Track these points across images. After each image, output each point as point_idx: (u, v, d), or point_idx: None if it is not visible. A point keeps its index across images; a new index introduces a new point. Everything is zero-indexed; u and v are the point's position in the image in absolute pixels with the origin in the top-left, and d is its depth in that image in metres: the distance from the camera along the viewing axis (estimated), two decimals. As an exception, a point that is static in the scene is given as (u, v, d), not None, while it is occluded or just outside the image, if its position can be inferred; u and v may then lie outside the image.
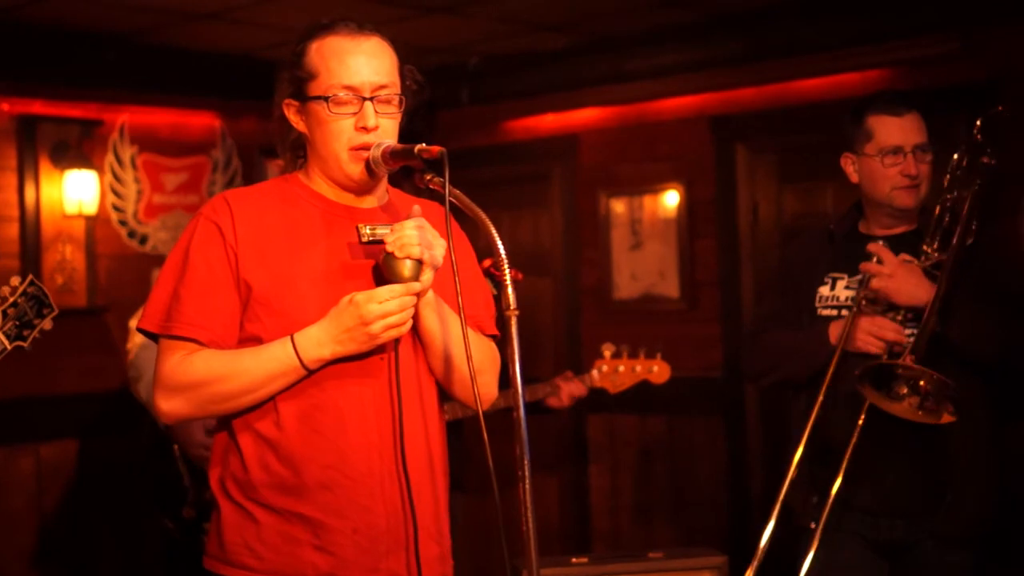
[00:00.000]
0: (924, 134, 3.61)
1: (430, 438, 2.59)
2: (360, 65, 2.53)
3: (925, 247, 3.56)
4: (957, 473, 3.54)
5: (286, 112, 2.61)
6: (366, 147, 2.52)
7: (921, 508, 3.54)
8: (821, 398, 3.54)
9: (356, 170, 2.53)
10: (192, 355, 2.49)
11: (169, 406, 2.53)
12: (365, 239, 2.46)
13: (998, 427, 3.64)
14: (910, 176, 3.57)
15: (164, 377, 2.52)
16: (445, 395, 2.67)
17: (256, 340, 2.49)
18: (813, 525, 3.61)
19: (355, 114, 2.52)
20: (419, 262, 2.42)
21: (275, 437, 2.49)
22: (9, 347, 2.88)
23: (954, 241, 3.48)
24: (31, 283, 2.96)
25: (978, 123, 3.58)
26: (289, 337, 2.46)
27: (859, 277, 3.60)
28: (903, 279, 3.51)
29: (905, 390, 3.44)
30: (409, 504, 2.50)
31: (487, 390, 2.63)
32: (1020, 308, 3.53)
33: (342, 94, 2.51)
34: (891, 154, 3.60)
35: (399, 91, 2.58)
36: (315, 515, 2.47)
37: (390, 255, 2.42)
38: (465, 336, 2.38)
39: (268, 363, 2.45)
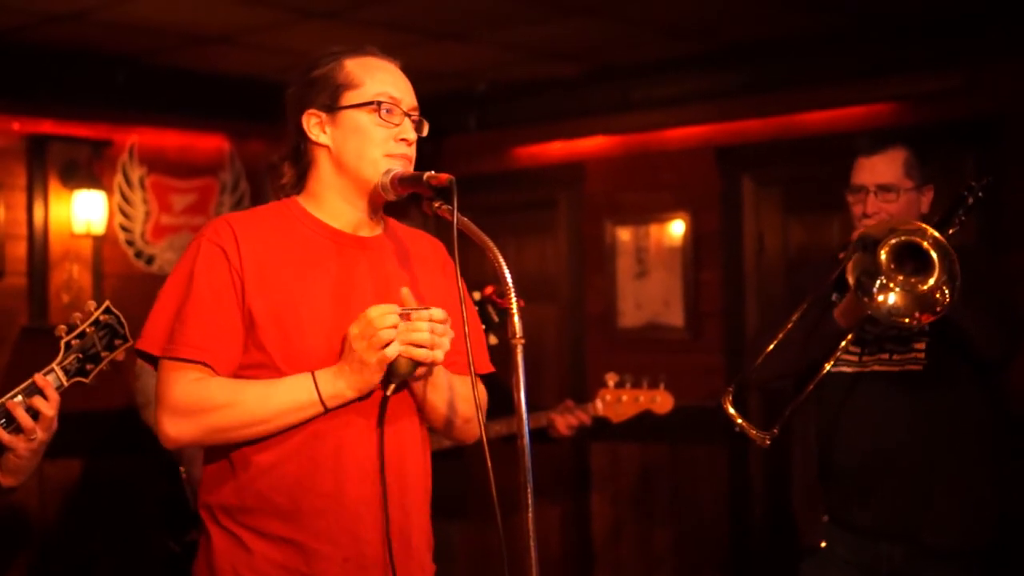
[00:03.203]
0: (895, 174, 3.63)
1: (422, 467, 2.62)
2: (401, 84, 2.61)
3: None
4: (950, 486, 3.57)
5: (305, 124, 2.58)
6: (404, 158, 2.55)
7: (918, 528, 3.56)
8: (808, 385, 3.55)
9: (380, 176, 2.54)
10: (206, 380, 2.45)
11: (176, 431, 2.46)
12: (405, 308, 2.43)
13: (996, 443, 3.66)
14: (865, 215, 3.61)
15: (173, 401, 2.45)
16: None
17: (259, 367, 2.47)
18: (824, 544, 3.66)
19: (397, 126, 2.56)
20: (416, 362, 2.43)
21: (271, 463, 2.47)
22: (66, 384, 2.59)
23: (934, 220, 3.53)
24: (106, 310, 2.67)
25: (971, 184, 3.60)
26: (310, 373, 2.44)
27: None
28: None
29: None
30: (387, 533, 2.49)
31: (475, 432, 2.65)
32: (1006, 304, 3.58)
33: (391, 105, 2.56)
34: (854, 192, 3.68)
35: (420, 118, 2.64)
36: (308, 542, 2.45)
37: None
38: (474, 384, 2.44)
39: (285, 395, 2.43)
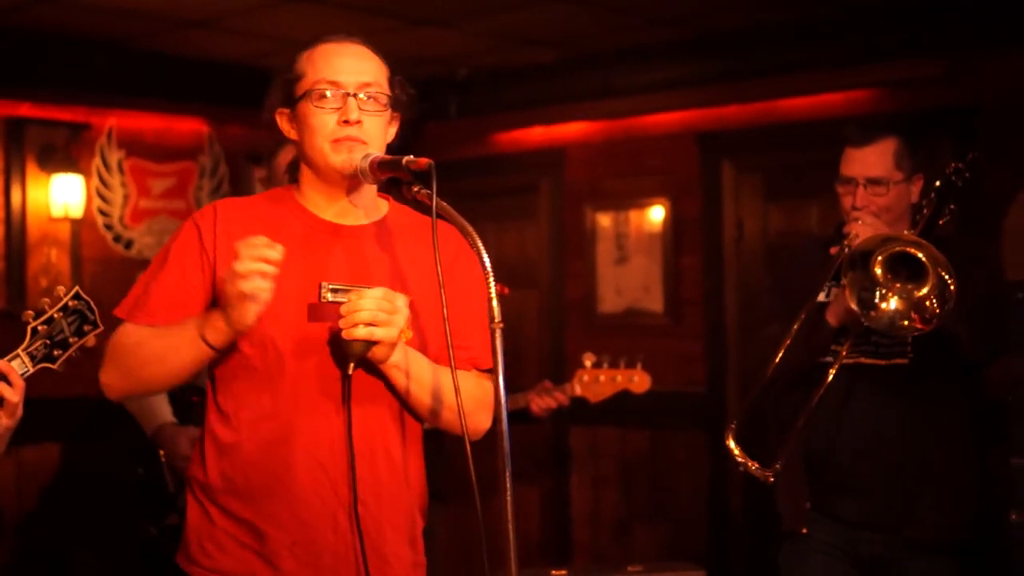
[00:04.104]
0: (885, 167, 3.60)
1: (391, 463, 2.58)
2: (344, 64, 2.57)
3: (904, 231, 3.58)
4: (934, 480, 3.58)
5: (279, 123, 2.63)
6: (349, 140, 2.52)
7: (900, 521, 3.57)
8: (816, 399, 3.56)
9: (339, 160, 2.53)
10: (125, 328, 2.57)
11: (105, 377, 2.58)
12: (323, 300, 2.45)
13: (979, 436, 3.67)
14: (855, 208, 3.60)
15: (108, 352, 2.58)
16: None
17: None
18: (805, 531, 3.67)
19: (338, 109, 2.54)
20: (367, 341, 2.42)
21: (231, 442, 2.53)
22: (32, 369, 2.56)
23: (925, 212, 3.53)
24: (75, 295, 2.63)
25: (956, 166, 3.59)
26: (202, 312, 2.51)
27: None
28: (879, 227, 3.54)
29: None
30: (358, 528, 2.49)
31: (478, 427, 2.59)
32: (992, 306, 3.58)
33: (326, 89, 2.54)
34: (844, 183, 3.66)
35: (386, 92, 2.59)
36: (257, 522, 2.51)
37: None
38: (455, 375, 2.37)
39: (178, 332, 2.49)
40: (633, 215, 6.66)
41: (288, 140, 2.65)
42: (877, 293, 3.39)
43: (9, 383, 2.52)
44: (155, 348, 2.51)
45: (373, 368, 2.51)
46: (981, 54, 5.50)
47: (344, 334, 2.41)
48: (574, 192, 6.87)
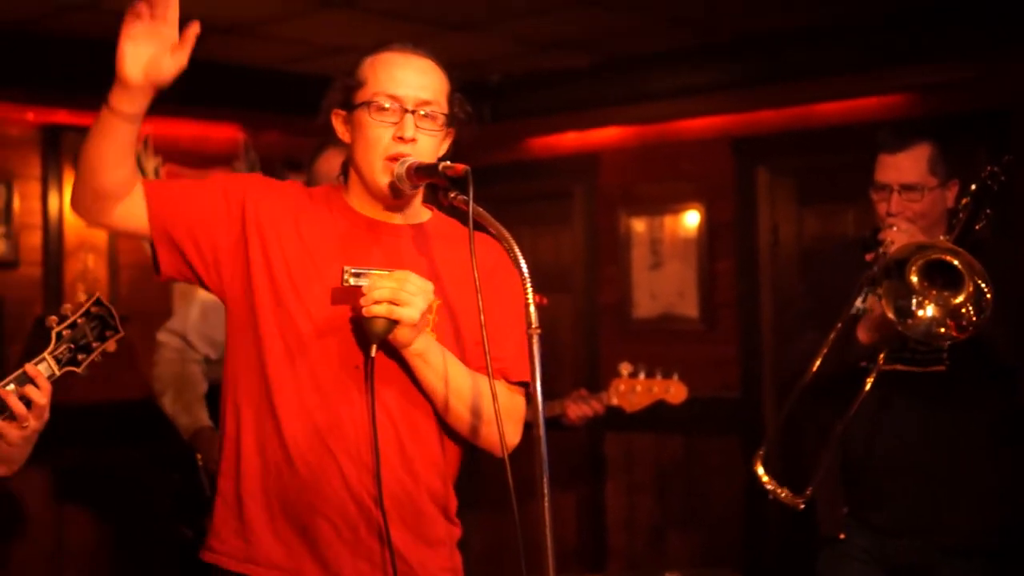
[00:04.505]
0: (919, 173, 3.57)
1: (429, 435, 2.58)
2: (407, 77, 2.56)
3: (940, 236, 3.56)
4: (967, 486, 3.56)
5: (334, 122, 2.64)
6: (400, 157, 2.52)
7: (934, 528, 3.55)
8: (855, 408, 3.54)
9: (385, 181, 2.54)
10: None
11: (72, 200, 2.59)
12: (345, 284, 2.44)
13: (1013, 444, 3.64)
14: (890, 215, 3.57)
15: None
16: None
17: (251, 328, 2.54)
18: (843, 536, 3.66)
19: (395, 124, 2.53)
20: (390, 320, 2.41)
21: (255, 432, 2.56)
22: (58, 373, 2.61)
23: (961, 216, 3.50)
24: (96, 302, 2.71)
25: (991, 169, 3.55)
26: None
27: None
28: (914, 234, 3.51)
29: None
30: (386, 529, 2.49)
31: (507, 441, 2.52)
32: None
33: (385, 102, 2.54)
34: (878, 190, 3.63)
35: (444, 111, 2.59)
36: (285, 507, 2.52)
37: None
38: (493, 388, 2.34)
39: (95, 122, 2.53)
40: (667, 220, 6.65)
41: (338, 142, 2.66)
42: (913, 301, 3.37)
43: (37, 386, 2.55)
44: (86, 145, 2.53)
45: (396, 355, 2.50)
46: (1014, 57, 5.46)
47: (364, 311, 2.41)
48: (608, 197, 6.86)
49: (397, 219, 2.64)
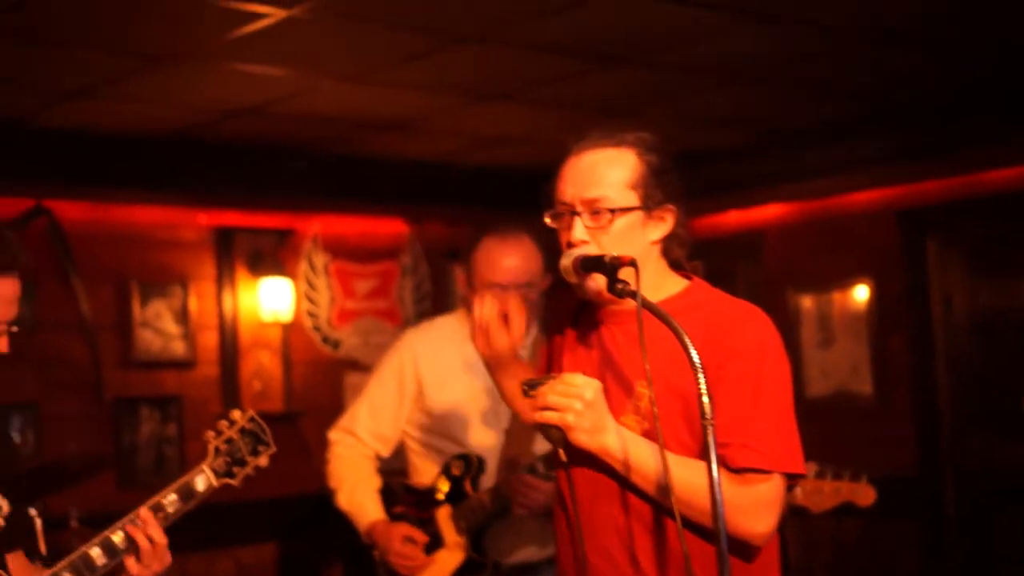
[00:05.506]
0: None
1: (642, 554, 2.47)
2: (574, 176, 2.55)
3: None
4: None
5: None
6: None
7: None
8: None
9: (572, 282, 2.52)
10: None
11: None
12: (526, 396, 2.46)
13: None
14: None
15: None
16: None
17: None
18: None
19: (567, 229, 2.52)
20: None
21: None
22: (216, 484, 2.76)
23: None
24: (251, 419, 2.84)
25: None
26: None
27: None
28: None
29: None
30: None
31: (744, 530, 2.41)
32: None
33: (558, 210, 2.55)
34: None
35: (613, 206, 2.51)
36: None
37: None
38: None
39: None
40: (836, 296, 6.54)
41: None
42: None
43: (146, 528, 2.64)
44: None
45: (594, 460, 2.46)
46: None
47: (536, 416, 2.42)
48: (773, 275, 6.78)
49: (620, 307, 2.54)
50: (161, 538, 2.64)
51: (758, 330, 2.43)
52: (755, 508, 2.43)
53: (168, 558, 2.67)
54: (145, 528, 2.62)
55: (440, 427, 3.93)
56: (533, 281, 3.76)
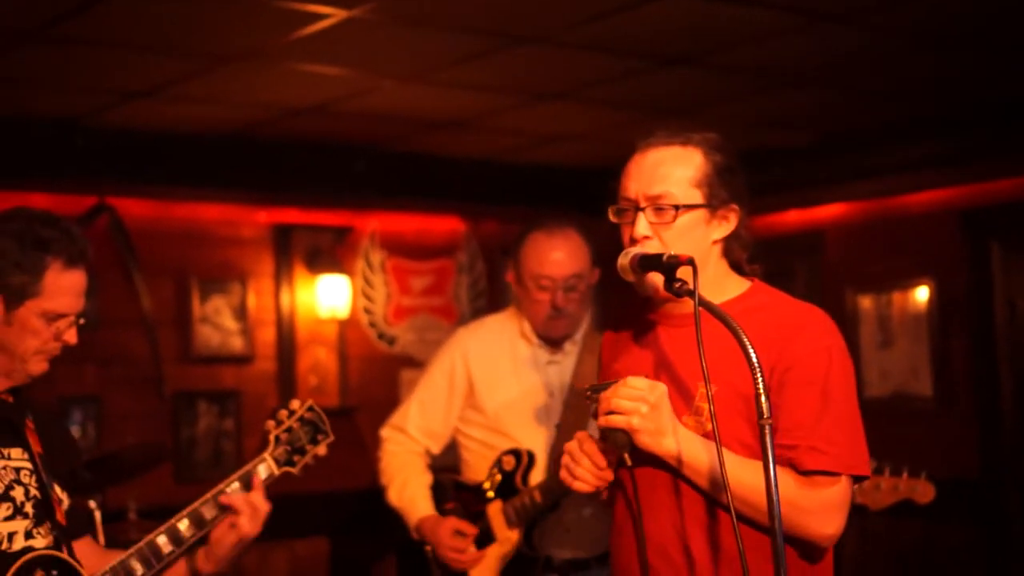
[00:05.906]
0: None
1: (699, 556, 2.45)
2: (636, 172, 2.54)
3: None
4: None
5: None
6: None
7: None
8: None
9: (632, 280, 2.51)
10: None
11: None
12: (588, 398, 2.45)
13: None
14: None
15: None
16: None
17: None
18: None
19: (631, 224, 2.51)
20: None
21: None
22: (277, 473, 2.80)
23: None
24: (309, 408, 2.87)
25: None
26: None
27: None
28: None
29: None
30: None
31: (813, 531, 2.41)
32: None
33: (621, 205, 2.53)
34: None
35: (676, 202, 2.50)
36: None
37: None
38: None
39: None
40: (896, 297, 6.47)
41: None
42: None
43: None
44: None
45: (656, 461, 2.44)
46: None
47: (602, 420, 2.41)
48: (833, 275, 6.73)
49: (676, 308, 2.54)
50: (263, 504, 2.69)
51: (823, 333, 2.43)
52: (824, 511, 2.42)
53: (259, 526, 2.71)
54: (250, 496, 2.68)
55: (491, 424, 3.94)
56: (581, 274, 3.76)
